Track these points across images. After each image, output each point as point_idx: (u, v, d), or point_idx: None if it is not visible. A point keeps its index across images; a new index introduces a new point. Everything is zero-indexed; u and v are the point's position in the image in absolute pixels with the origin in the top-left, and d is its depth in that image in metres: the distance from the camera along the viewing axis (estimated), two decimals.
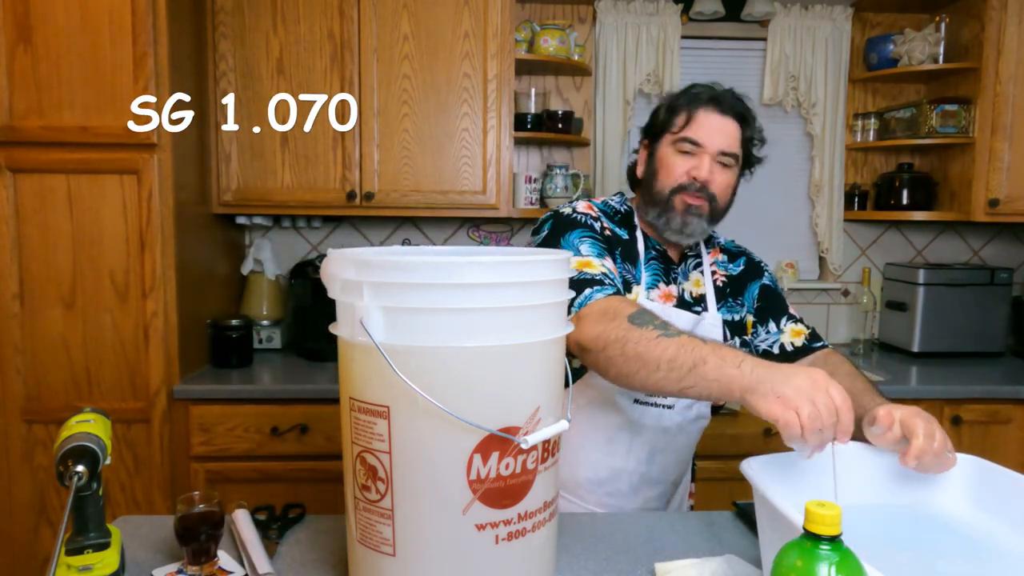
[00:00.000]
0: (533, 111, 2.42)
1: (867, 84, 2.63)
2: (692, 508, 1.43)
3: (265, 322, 2.38)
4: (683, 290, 1.28)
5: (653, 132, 1.26)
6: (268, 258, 2.42)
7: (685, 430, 1.27)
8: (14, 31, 1.80)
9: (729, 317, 1.30)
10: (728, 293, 1.32)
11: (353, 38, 2.14)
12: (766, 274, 1.35)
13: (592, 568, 0.96)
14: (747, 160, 1.28)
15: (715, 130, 1.19)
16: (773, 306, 1.31)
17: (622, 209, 1.30)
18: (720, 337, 1.25)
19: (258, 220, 2.49)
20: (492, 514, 0.78)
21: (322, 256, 2.27)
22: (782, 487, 0.85)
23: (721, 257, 1.34)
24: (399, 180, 2.20)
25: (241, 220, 2.42)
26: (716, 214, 1.22)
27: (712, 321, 1.26)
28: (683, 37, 2.54)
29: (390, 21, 2.15)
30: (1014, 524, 0.86)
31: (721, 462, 2.03)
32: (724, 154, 1.20)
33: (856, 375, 1.16)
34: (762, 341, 1.30)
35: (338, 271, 0.80)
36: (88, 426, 0.87)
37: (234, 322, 2.14)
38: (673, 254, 1.29)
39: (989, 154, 2.31)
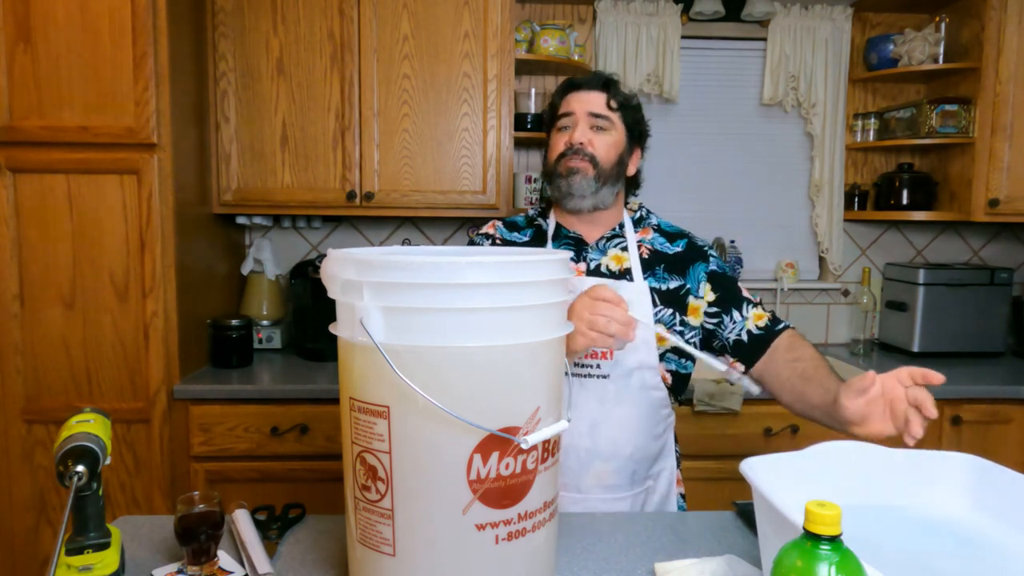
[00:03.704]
0: (533, 111, 2.42)
1: (867, 84, 2.63)
2: (683, 496, 1.42)
3: (265, 322, 2.38)
4: (599, 265, 1.34)
5: (546, 132, 1.41)
6: (268, 258, 2.42)
7: (626, 400, 1.27)
8: (14, 31, 1.80)
9: (657, 286, 1.33)
10: (657, 266, 1.34)
11: (353, 38, 2.14)
12: (712, 259, 1.37)
13: (592, 568, 0.96)
14: (632, 129, 1.36)
15: (581, 100, 1.33)
16: (730, 294, 1.34)
17: (532, 214, 1.45)
18: (648, 304, 1.29)
19: (258, 220, 2.49)
20: (492, 514, 0.78)
21: (322, 256, 2.27)
22: (782, 487, 0.85)
23: (652, 236, 1.39)
24: (399, 180, 2.20)
25: (241, 220, 2.42)
26: (603, 174, 1.31)
27: (638, 288, 1.30)
28: (683, 37, 2.54)
29: (390, 21, 2.15)
30: (1014, 524, 0.86)
31: (721, 462, 2.03)
32: (595, 116, 1.31)
33: (820, 358, 1.23)
34: (731, 332, 1.32)
35: (338, 271, 0.80)
36: (88, 426, 0.87)
37: (234, 322, 2.14)
38: (589, 237, 1.37)
39: (989, 154, 2.31)
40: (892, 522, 0.89)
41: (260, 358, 2.28)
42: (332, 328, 0.83)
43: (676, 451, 1.42)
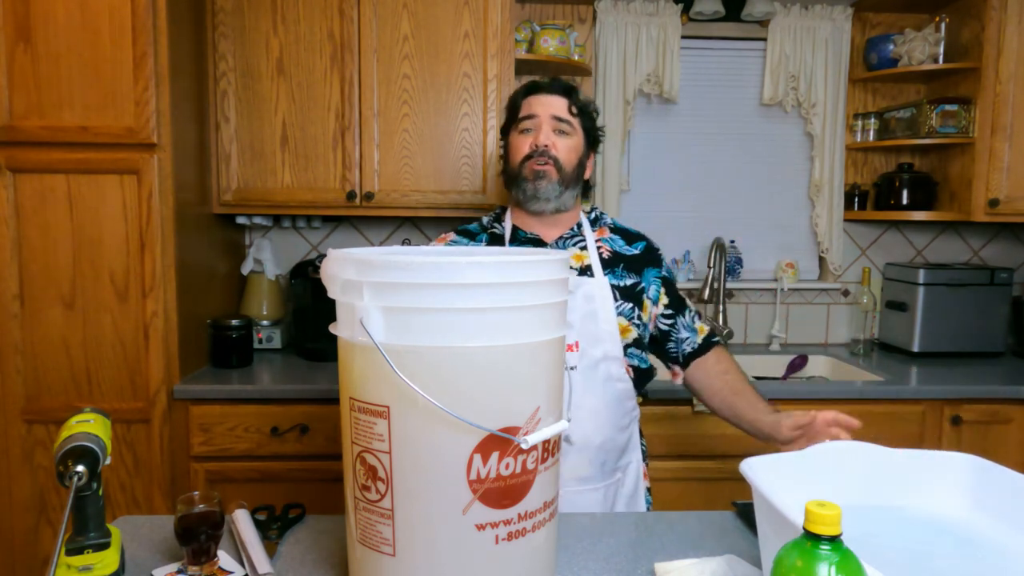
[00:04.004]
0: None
1: (867, 84, 2.63)
2: (649, 490, 1.46)
3: (265, 322, 2.38)
4: None
5: (504, 131, 1.44)
6: (268, 258, 2.42)
7: (594, 391, 1.31)
8: (14, 31, 1.80)
9: (617, 282, 1.38)
10: (616, 265, 1.40)
11: (353, 38, 2.14)
12: (664, 264, 1.47)
13: (592, 568, 0.96)
14: (590, 134, 1.41)
15: (544, 103, 1.36)
16: (678, 299, 1.46)
17: (485, 221, 1.47)
18: (609, 295, 1.35)
19: (258, 220, 2.49)
20: (492, 514, 0.78)
21: (322, 256, 2.27)
22: (782, 487, 0.85)
23: (610, 236, 1.44)
24: (399, 180, 2.20)
25: (241, 220, 2.42)
26: (565, 177, 1.35)
27: (599, 283, 1.35)
28: (683, 37, 2.54)
29: (390, 21, 2.15)
30: (1014, 524, 0.86)
31: (721, 462, 2.03)
32: (558, 119, 1.35)
33: (745, 376, 1.41)
34: (688, 344, 1.44)
35: (338, 271, 0.80)
36: (88, 426, 0.87)
37: (234, 322, 2.14)
38: (548, 237, 1.41)
39: (989, 154, 2.31)
40: (892, 522, 0.89)
41: (260, 358, 2.28)
42: (332, 328, 0.83)
43: (642, 445, 1.47)
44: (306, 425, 1.96)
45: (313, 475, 1.97)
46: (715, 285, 2.56)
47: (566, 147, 1.35)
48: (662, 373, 1.56)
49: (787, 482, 0.88)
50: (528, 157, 1.34)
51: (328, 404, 1.95)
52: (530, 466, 0.80)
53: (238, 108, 2.16)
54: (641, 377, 1.41)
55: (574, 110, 1.37)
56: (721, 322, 2.58)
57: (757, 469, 0.85)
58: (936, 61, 2.41)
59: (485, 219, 1.48)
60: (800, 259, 2.73)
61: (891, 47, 2.48)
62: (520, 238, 1.40)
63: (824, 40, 2.54)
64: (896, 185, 2.54)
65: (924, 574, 0.77)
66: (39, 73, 1.81)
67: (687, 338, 1.44)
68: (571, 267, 1.36)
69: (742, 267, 2.68)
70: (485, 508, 0.77)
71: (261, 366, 2.18)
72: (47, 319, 1.87)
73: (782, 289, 2.66)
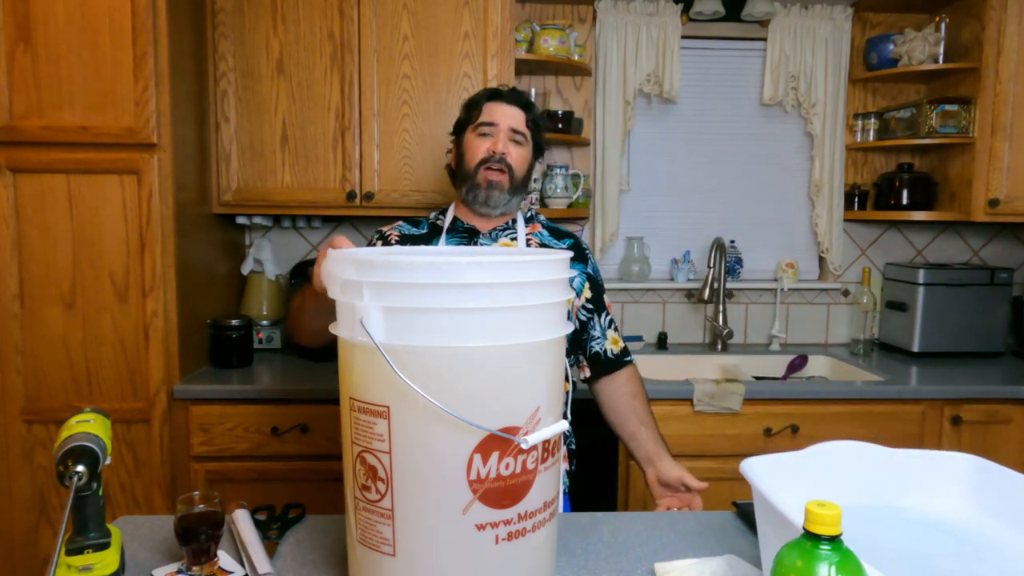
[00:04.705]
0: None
1: (867, 84, 2.63)
2: (569, 474, 1.48)
3: (265, 322, 2.38)
4: None
5: (457, 130, 1.51)
6: (268, 258, 2.42)
7: None
8: (14, 31, 1.80)
9: None
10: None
11: (353, 38, 2.14)
12: (591, 261, 1.53)
13: (592, 568, 0.96)
14: (538, 144, 1.51)
15: (504, 114, 1.44)
16: (599, 299, 1.52)
17: (432, 215, 1.56)
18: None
19: (258, 220, 2.49)
20: (492, 514, 0.78)
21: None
22: (782, 487, 0.85)
23: (540, 230, 1.52)
24: (399, 180, 2.20)
25: (241, 220, 2.42)
26: (515, 185, 1.44)
27: None
28: (683, 37, 2.54)
29: (390, 21, 2.15)
30: (1014, 524, 0.86)
31: (721, 462, 2.03)
32: (515, 131, 1.44)
33: (648, 408, 1.48)
34: (596, 342, 1.50)
35: (338, 271, 0.80)
36: (88, 426, 0.87)
37: (234, 322, 2.14)
38: (482, 227, 1.48)
39: (989, 154, 2.31)
40: (892, 522, 0.89)
41: (260, 358, 2.28)
42: (332, 328, 0.83)
43: (567, 431, 1.49)
44: (306, 425, 1.96)
45: (313, 475, 1.97)
46: (715, 285, 2.56)
47: (519, 156, 1.44)
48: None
49: (787, 482, 0.88)
50: (484, 162, 1.42)
51: (328, 404, 1.95)
52: (530, 466, 0.80)
53: (238, 108, 2.16)
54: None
55: (529, 124, 1.46)
56: (721, 322, 2.58)
57: (757, 469, 0.85)
58: (936, 61, 2.41)
59: (433, 214, 1.56)
60: (800, 259, 2.73)
61: (891, 47, 2.48)
62: (457, 228, 1.48)
63: (824, 40, 2.54)
64: (896, 185, 2.54)
65: (924, 574, 0.77)
66: (39, 73, 1.81)
67: (597, 338, 1.50)
68: None
69: (742, 267, 2.68)
70: (485, 508, 0.77)
71: (261, 366, 2.18)
72: (47, 319, 1.87)
73: (782, 289, 2.66)
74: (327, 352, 2.21)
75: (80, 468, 0.81)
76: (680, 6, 2.50)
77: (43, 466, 1.90)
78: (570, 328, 0.89)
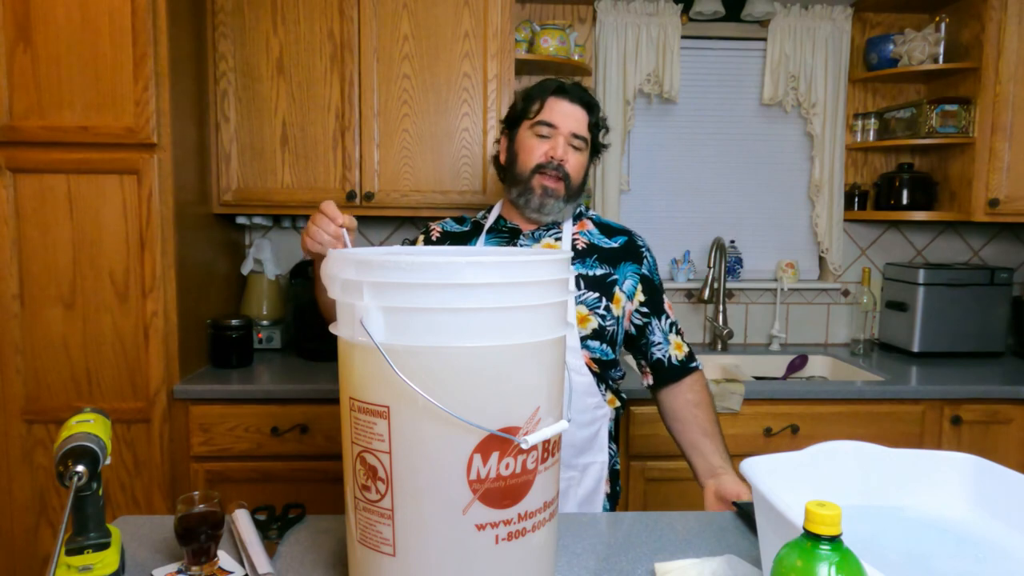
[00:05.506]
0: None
1: (867, 84, 2.63)
2: (609, 497, 1.42)
3: (265, 322, 2.38)
4: None
5: (512, 121, 1.40)
6: (268, 258, 2.42)
7: None
8: (14, 31, 1.80)
9: (584, 271, 1.37)
10: (589, 256, 1.39)
11: (353, 38, 2.14)
12: (646, 262, 1.43)
13: (592, 568, 0.96)
14: (595, 147, 1.42)
15: (566, 114, 1.34)
16: (656, 301, 1.43)
17: (479, 215, 1.49)
18: (571, 283, 1.33)
19: (258, 220, 2.49)
20: (492, 514, 0.78)
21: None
22: (782, 487, 0.85)
23: (590, 228, 1.44)
24: (399, 180, 2.20)
25: (241, 220, 2.42)
26: (571, 193, 1.36)
27: None
28: (683, 37, 2.54)
29: (390, 21, 2.15)
30: (1014, 524, 0.86)
31: None
32: (576, 136, 1.35)
33: (715, 419, 1.37)
34: (658, 348, 1.42)
35: (338, 271, 0.80)
36: (88, 426, 0.87)
37: (234, 322, 2.14)
38: (525, 227, 1.42)
39: (989, 154, 2.31)
40: (892, 522, 0.89)
41: (260, 358, 2.28)
42: (332, 328, 0.83)
43: (612, 450, 1.43)
44: (306, 425, 1.96)
45: (313, 475, 1.97)
46: (715, 285, 2.56)
47: (577, 163, 1.36)
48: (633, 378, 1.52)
49: (787, 482, 0.88)
50: (541, 168, 1.33)
51: (328, 404, 1.95)
52: (530, 466, 0.80)
53: (238, 108, 2.16)
54: (605, 368, 1.37)
55: (592, 127, 1.37)
56: (721, 322, 2.58)
57: (757, 469, 0.85)
58: (936, 61, 2.41)
59: (479, 214, 1.51)
60: (800, 259, 2.73)
61: (891, 47, 2.48)
62: (500, 227, 1.43)
63: (824, 40, 2.54)
64: (896, 185, 2.54)
65: (924, 574, 0.77)
66: (39, 73, 1.81)
67: (659, 343, 1.41)
68: None
69: (742, 267, 2.68)
70: (485, 508, 0.77)
71: (261, 366, 2.18)
72: (47, 319, 1.87)
73: (782, 289, 2.66)
74: (327, 352, 2.22)
75: (80, 468, 0.81)
76: (680, 6, 2.50)
77: (43, 466, 1.90)
78: (570, 328, 0.88)
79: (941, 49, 2.41)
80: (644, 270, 1.42)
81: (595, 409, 1.36)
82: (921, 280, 2.43)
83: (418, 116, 2.18)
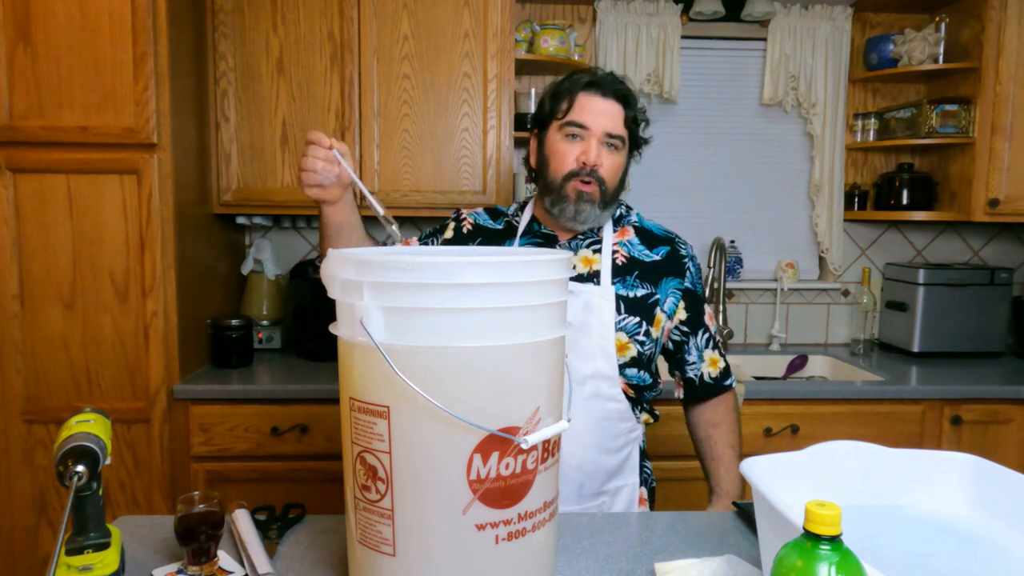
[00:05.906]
0: (533, 111, 2.41)
1: (867, 84, 2.63)
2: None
3: (265, 322, 2.38)
4: None
5: (540, 121, 1.29)
6: (268, 258, 2.42)
7: (576, 409, 1.21)
8: (14, 31, 1.80)
9: (624, 292, 1.28)
10: (629, 273, 1.30)
11: (353, 38, 2.14)
12: (688, 273, 1.34)
13: (592, 568, 0.96)
14: (634, 142, 1.30)
15: (598, 112, 1.22)
16: (697, 316, 1.35)
17: (510, 211, 1.39)
18: (611, 308, 1.25)
19: (258, 220, 2.49)
20: (492, 514, 0.78)
21: (322, 256, 2.27)
22: (782, 487, 0.85)
23: (631, 237, 1.33)
24: (399, 180, 2.20)
25: (241, 220, 2.42)
26: (607, 198, 1.25)
27: (603, 292, 1.25)
28: (683, 37, 2.54)
29: (390, 21, 2.15)
30: (1014, 524, 0.86)
31: None
32: (610, 136, 1.23)
33: (734, 448, 1.35)
34: (692, 368, 1.36)
35: (338, 271, 0.80)
36: (88, 426, 0.87)
37: (234, 322, 2.14)
38: (563, 236, 1.32)
39: (989, 154, 2.31)
40: (892, 522, 0.89)
41: (260, 358, 2.28)
42: (332, 328, 0.83)
43: (646, 469, 1.38)
44: (306, 425, 1.96)
45: (313, 475, 1.97)
46: (715, 285, 2.56)
47: (613, 165, 1.24)
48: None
49: (787, 482, 0.88)
50: (574, 174, 1.22)
51: (328, 404, 1.95)
52: (530, 466, 0.80)
53: (238, 108, 2.16)
54: (640, 393, 1.31)
55: (629, 123, 1.25)
56: (721, 322, 2.58)
57: (757, 469, 0.85)
58: (936, 61, 2.41)
59: (511, 209, 1.40)
60: (800, 259, 2.73)
61: (891, 47, 2.48)
62: (534, 231, 1.33)
63: (824, 40, 2.54)
64: (896, 185, 2.54)
65: (924, 574, 0.77)
66: (39, 73, 1.81)
67: (692, 363, 1.35)
68: (577, 271, 1.28)
69: (742, 267, 2.68)
70: (485, 508, 0.77)
71: (261, 366, 2.18)
72: (47, 319, 1.87)
73: (782, 289, 2.66)
74: (327, 352, 2.22)
75: (80, 468, 0.81)
76: (680, 6, 2.50)
77: (43, 466, 1.90)
78: (571, 328, 0.88)
79: (941, 49, 2.41)
80: (687, 283, 1.33)
81: (628, 433, 1.30)
82: (921, 280, 2.43)
83: (418, 116, 2.18)
